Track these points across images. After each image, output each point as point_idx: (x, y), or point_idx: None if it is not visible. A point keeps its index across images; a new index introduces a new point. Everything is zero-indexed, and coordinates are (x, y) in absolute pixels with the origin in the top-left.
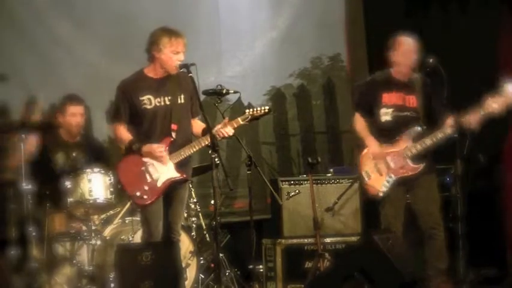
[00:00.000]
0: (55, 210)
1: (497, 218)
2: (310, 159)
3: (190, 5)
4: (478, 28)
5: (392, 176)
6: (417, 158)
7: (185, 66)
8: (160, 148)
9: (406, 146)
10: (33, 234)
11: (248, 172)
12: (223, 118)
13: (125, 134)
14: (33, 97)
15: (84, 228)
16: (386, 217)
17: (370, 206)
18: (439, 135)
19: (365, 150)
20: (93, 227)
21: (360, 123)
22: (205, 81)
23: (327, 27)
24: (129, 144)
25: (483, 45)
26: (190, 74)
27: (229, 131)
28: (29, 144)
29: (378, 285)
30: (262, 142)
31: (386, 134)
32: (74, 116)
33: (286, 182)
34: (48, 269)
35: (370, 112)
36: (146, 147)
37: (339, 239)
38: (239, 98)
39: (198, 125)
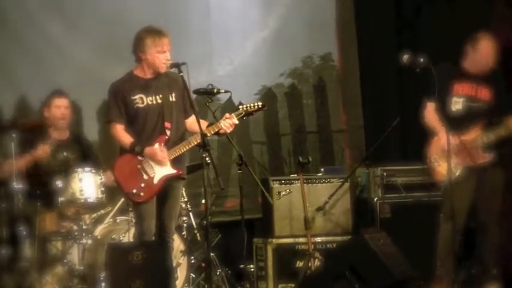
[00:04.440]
0: (46, 210)
1: None
2: (301, 159)
3: (181, 4)
4: (469, 26)
5: (460, 164)
6: (488, 148)
7: (176, 65)
8: (163, 154)
9: (478, 134)
10: (24, 233)
11: (239, 171)
12: (214, 118)
13: (125, 136)
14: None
15: (75, 227)
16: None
17: (361, 205)
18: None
19: (435, 138)
20: (84, 227)
21: (431, 113)
22: (196, 80)
23: (318, 26)
24: (131, 147)
25: None
26: (181, 74)
27: (231, 123)
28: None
29: (369, 285)
30: (253, 141)
31: (457, 122)
32: (58, 108)
33: (277, 182)
34: (39, 268)
35: (441, 100)
36: (148, 150)
37: (329, 238)
38: (230, 97)
39: (191, 123)
